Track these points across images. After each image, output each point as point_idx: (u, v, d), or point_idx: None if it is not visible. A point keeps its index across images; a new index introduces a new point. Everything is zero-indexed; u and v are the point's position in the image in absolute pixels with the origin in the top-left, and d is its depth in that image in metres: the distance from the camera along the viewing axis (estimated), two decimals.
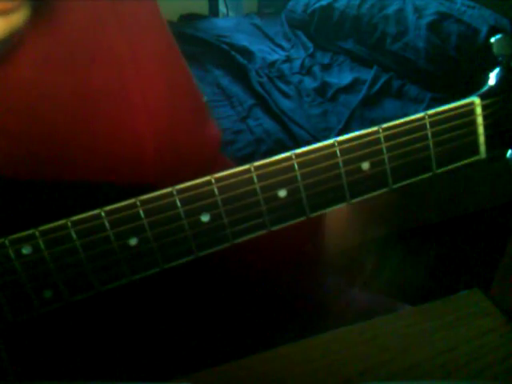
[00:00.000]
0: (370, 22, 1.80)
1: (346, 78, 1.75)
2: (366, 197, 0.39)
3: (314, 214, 0.38)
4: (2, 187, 0.39)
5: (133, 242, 0.35)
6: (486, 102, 0.40)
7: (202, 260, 0.38)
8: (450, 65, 1.57)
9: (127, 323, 0.54)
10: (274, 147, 1.44)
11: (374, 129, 0.38)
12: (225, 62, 1.87)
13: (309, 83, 1.74)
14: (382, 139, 0.38)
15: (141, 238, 0.36)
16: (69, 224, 0.34)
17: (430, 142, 0.39)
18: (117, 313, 0.51)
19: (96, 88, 0.45)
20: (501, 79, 0.40)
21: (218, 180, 0.36)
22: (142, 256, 0.36)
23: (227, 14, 2.47)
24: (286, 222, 0.38)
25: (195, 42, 1.95)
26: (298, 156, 0.37)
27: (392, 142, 0.38)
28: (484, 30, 1.54)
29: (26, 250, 0.34)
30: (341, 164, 0.38)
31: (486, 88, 0.41)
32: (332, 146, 0.37)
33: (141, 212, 0.35)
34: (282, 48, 1.99)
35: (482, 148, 0.41)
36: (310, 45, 1.96)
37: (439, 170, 0.40)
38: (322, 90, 1.70)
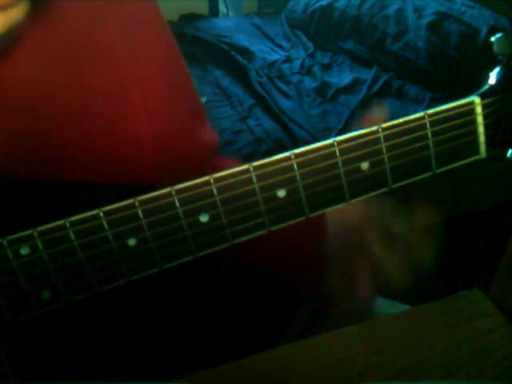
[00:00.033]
0: (370, 22, 1.80)
1: (345, 78, 1.75)
2: (365, 197, 0.39)
3: (314, 214, 0.38)
4: (0, 187, 0.39)
5: (131, 242, 0.35)
6: (486, 101, 0.40)
7: (202, 260, 0.38)
8: (450, 65, 1.57)
9: (127, 323, 0.54)
10: (273, 147, 1.44)
11: (374, 128, 0.38)
12: (225, 62, 1.87)
13: (309, 83, 1.74)
14: (382, 139, 0.38)
15: (139, 239, 0.35)
16: (67, 224, 0.34)
17: (430, 142, 0.39)
18: (117, 313, 0.51)
19: (94, 88, 0.45)
20: (501, 78, 0.40)
21: (216, 180, 0.36)
22: (141, 256, 0.36)
23: (227, 14, 2.48)
24: (286, 222, 0.38)
25: (195, 42, 1.95)
26: (297, 156, 0.36)
27: (391, 142, 0.38)
28: (484, 29, 1.54)
29: (24, 251, 0.34)
30: (340, 164, 0.37)
31: (486, 87, 0.40)
32: (331, 145, 0.37)
33: (139, 212, 0.35)
34: (282, 48, 1.99)
35: (482, 147, 0.41)
36: (310, 45, 1.96)
37: (439, 170, 0.40)
38: (321, 90, 1.70)
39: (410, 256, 0.43)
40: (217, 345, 0.59)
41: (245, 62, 1.82)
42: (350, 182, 0.38)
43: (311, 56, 1.90)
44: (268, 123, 1.55)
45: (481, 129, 0.40)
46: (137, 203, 0.35)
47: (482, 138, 0.41)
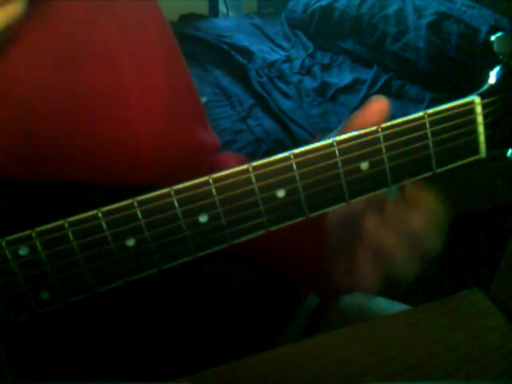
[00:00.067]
0: (370, 22, 1.80)
1: (345, 78, 1.75)
2: (365, 197, 0.39)
3: (313, 214, 0.38)
4: None
5: (130, 242, 0.35)
6: (486, 100, 0.40)
7: (202, 260, 0.38)
8: (450, 65, 1.57)
9: (127, 323, 0.53)
10: (273, 147, 1.44)
11: (373, 128, 0.37)
12: (225, 62, 1.87)
13: (309, 83, 1.74)
14: (381, 138, 0.38)
15: (138, 239, 0.35)
16: (66, 225, 0.34)
17: (430, 141, 0.39)
18: (117, 313, 0.51)
19: (92, 87, 0.45)
20: (501, 78, 0.40)
21: (215, 180, 0.35)
22: (140, 257, 0.36)
23: (227, 14, 2.48)
24: (285, 223, 0.38)
25: (195, 42, 1.96)
26: (296, 156, 0.36)
27: (391, 142, 0.38)
28: (484, 29, 1.54)
29: (22, 251, 0.34)
30: (339, 164, 0.37)
31: (486, 87, 0.40)
32: (331, 145, 0.37)
33: (138, 213, 0.35)
34: (282, 48, 1.99)
35: (482, 147, 0.41)
36: (310, 45, 1.96)
37: (439, 170, 0.40)
38: (321, 90, 1.70)
39: (414, 246, 0.42)
40: (217, 345, 0.59)
41: (245, 61, 1.82)
42: (349, 182, 0.38)
43: (311, 56, 1.90)
44: (268, 123, 1.55)
45: (481, 128, 0.40)
46: (136, 203, 0.35)
47: (481, 138, 0.40)
